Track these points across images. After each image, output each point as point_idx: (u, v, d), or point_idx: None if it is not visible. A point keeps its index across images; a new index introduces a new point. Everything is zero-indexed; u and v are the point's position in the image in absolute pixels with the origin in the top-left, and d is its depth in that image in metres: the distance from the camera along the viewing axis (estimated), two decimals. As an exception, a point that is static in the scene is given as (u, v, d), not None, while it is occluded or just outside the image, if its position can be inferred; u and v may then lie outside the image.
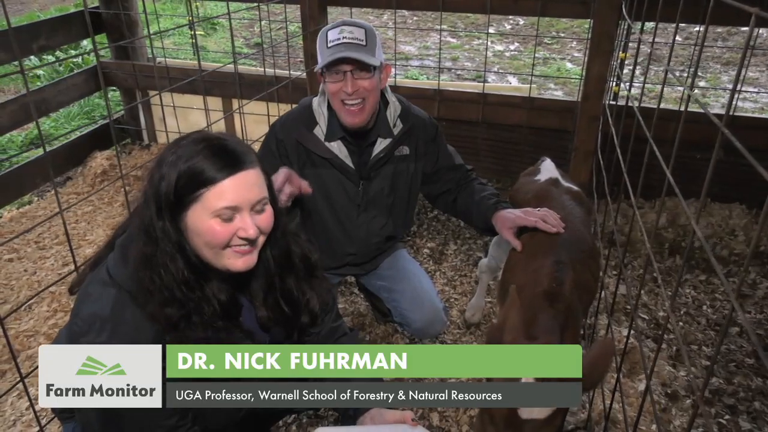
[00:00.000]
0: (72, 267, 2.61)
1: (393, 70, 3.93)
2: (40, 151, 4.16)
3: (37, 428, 1.72)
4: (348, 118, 2.04)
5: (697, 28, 7.77)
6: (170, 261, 1.27)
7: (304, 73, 3.56)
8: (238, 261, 1.32)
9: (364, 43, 1.97)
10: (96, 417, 1.31)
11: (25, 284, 2.98)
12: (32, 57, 5.75)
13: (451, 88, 3.62)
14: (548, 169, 2.37)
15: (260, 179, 1.32)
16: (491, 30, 8.27)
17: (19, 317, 2.75)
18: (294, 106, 2.30)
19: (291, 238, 1.53)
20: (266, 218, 1.34)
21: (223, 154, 1.26)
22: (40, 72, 6.09)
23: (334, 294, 1.87)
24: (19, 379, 1.61)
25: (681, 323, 2.69)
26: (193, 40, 2.71)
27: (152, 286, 1.27)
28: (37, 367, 1.87)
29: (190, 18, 2.34)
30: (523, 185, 2.36)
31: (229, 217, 1.27)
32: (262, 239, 1.36)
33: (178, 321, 1.28)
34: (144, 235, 1.28)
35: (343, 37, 1.96)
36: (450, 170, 2.33)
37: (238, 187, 1.26)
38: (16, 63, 4.08)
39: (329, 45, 1.97)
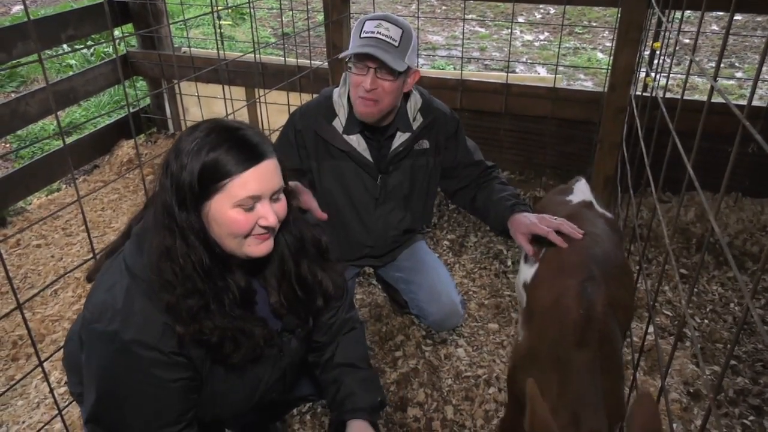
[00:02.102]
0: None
1: (418, 60, 3.89)
2: (68, 140, 4.24)
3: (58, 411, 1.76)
4: (360, 108, 2.03)
5: (738, 17, 7.52)
6: (192, 251, 1.28)
7: (326, 63, 3.55)
8: (258, 247, 1.35)
9: (396, 44, 1.94)
10: (96, 398, 1.31)
11: (51, 270, 3.05)
12: (64, 46, 5.86)
13: (474, 78, 3.56)
14: (582, 191, 2.17)
15: (278, 168, 1.35)
16: (521, 19, 8.14)
17: (45, 302, 2.82)
18: (315, 96, 2.30)
19: (302, 223, 1.54)
20: (283, 206, 1.38)
21: (245, 146, 1.29)
22: (72, 62, 6.22)
23: (348, 284, 1.86)
24: (38, 363, 1.64)
25: (706, 321, 2.61)
26: (217, 30, 2.72)
27: (173, 278, 1.28)
28: (58, 349, 1.92)
29: (212, 7, 2.34)
30: (552, 204, 2.17)
31: (251, 207, 1.30)
32: (278, 227, 1.39)
33: (197, 311, 1.29)
34: (163, 227, 1.29)
35: (378, 32, 1.94)
36: (468, 166, 2.29)
37: (261, 178, 1.29)
38: (48, 52, 4.18)
39: (362, 35, 1.95)
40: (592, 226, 1.88)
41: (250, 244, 1.33)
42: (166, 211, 1.29)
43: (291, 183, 1.91)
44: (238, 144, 1.28)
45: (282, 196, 1.38)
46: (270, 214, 1.32)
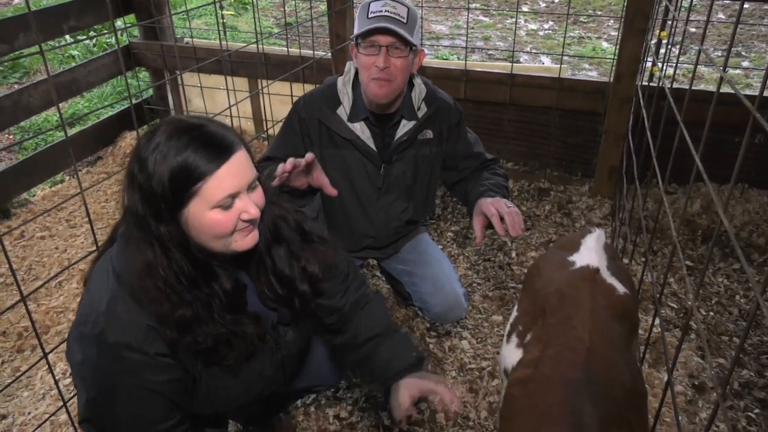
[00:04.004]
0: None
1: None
2: (71, 131, 4.23)
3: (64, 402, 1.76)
4: (374, 89, 2.00)
5: (745, 5, 7.46)
6: (173, 263, 1.25)
7: (329, 54, 3.53)
8: (245, 241, 1.31)
9: (405, 20, 1.95)
10: (86, 399, 1.30)
11: (56, 261, 3.06)
12: (67, 36, 5.84)
13: (478, 69, 3.54)
14: (591, 249, 1.65)
15: (248, 159, 1.30)
16: (525, 8, 8.07)
17: (50, 294, 2.82)
18: (318, 85, 2.29)
19: (277, 209, 1.50)
20: (260, 195, 1.33)
21: (212, 143, 1.23)
22: (75, 52, 6.20)
23: (350, 261, 1.80)
24: (42, 355, 1.64)
25: (711, 313, 2.60)
26: (219, 20, 2.70)
27: (158, 294, 1.25)
28: (63, 341, 1.92)
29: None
30: (549, 264, 1.69)
31: (230, 204, 1.25)
32: (259, 216, 1.35)
33: (190, 322, 1.27)
34: (141, 242, 1.25)
35: (386, 11, 1.94)
36: (467, 158, 2.28)
37: (234, 173, 1.24)
38: (51, 43, 4.16)
39: (369, 16, 1.95)
40: (588, 318, 1.39)
41: (237, 239, 1.30)
42: (141, 225, 1.25)
43: (308, 156, 1.82)
44: (204, 142, 1.22)
45: (257, 184, 1.34)
46: (250, 206, 1.28)
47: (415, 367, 1.66)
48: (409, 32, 1.95)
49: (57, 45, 5.82)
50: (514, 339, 1.53)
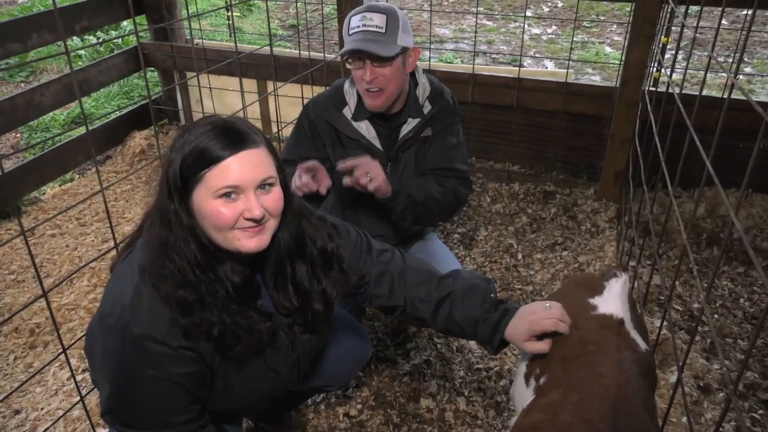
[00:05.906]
0: (111, 244, 2.71)
1: (427, 53, 3.89)
2: (81, 130, 4.26)
3: (78, 398, 1.79)
4: (368, 101, 2.07)
5: (745, 12, 7.49)
6: (183, 244, 1.27)
7: (339, 56, 3.56)
8: (250, 241, 1.29)
9: (383, 30, 1.97)
10: (109, 391, 1.33)
11: (66, 259, 3.08)
12: (75, 37, 5.88)
13: (485, 73, 3.58)
14: (616, 297, 1.53)
15: (266, 159, 1.30)
16: (528, 13, 8.12)
17: (61, 291, 2.85)
18: (327, 87, 2.33)
19: (306, 224, 1.48)
20: (274, 198, 1.31)
21: (226, 134, 1.25)
22: (81, 52, 6.23)
23: (364, 235, 1.75)
24: (61, 350, 1.67)
25: (716, 316, 2.63)
26: (230, 23, 2.74)
27: (166, 271, 1.27)
28: (78, 338, 1.95)
29: (228, 0, 2.37)
30: (566, 304, 1.55)
31: (234, 198, 1.25)
32: (273, 222, 1.34)
33: (191, 303, 1.28)
34: (159, 221, 1.29)
35: (363, 25, 1.98)
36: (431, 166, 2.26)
37: (242, 166, 1.24)
38: (59, 43, 4.18)
39: (350, 33, 2.00)
40: (615, 371, 1.31)
41: (239, 237, 1.28)
42: (161, 204, 1.29)
43: (310, 163, 1.91)
44: (220, 132, 1.25)
45: (275, 189, 1.32)
46: (254, 206, 1.25)
47: (500, 303, 1.59)
48: (390, 40, 1.97)
49: (77, 47, 5.86)
50: (532, 382, 1.46)
